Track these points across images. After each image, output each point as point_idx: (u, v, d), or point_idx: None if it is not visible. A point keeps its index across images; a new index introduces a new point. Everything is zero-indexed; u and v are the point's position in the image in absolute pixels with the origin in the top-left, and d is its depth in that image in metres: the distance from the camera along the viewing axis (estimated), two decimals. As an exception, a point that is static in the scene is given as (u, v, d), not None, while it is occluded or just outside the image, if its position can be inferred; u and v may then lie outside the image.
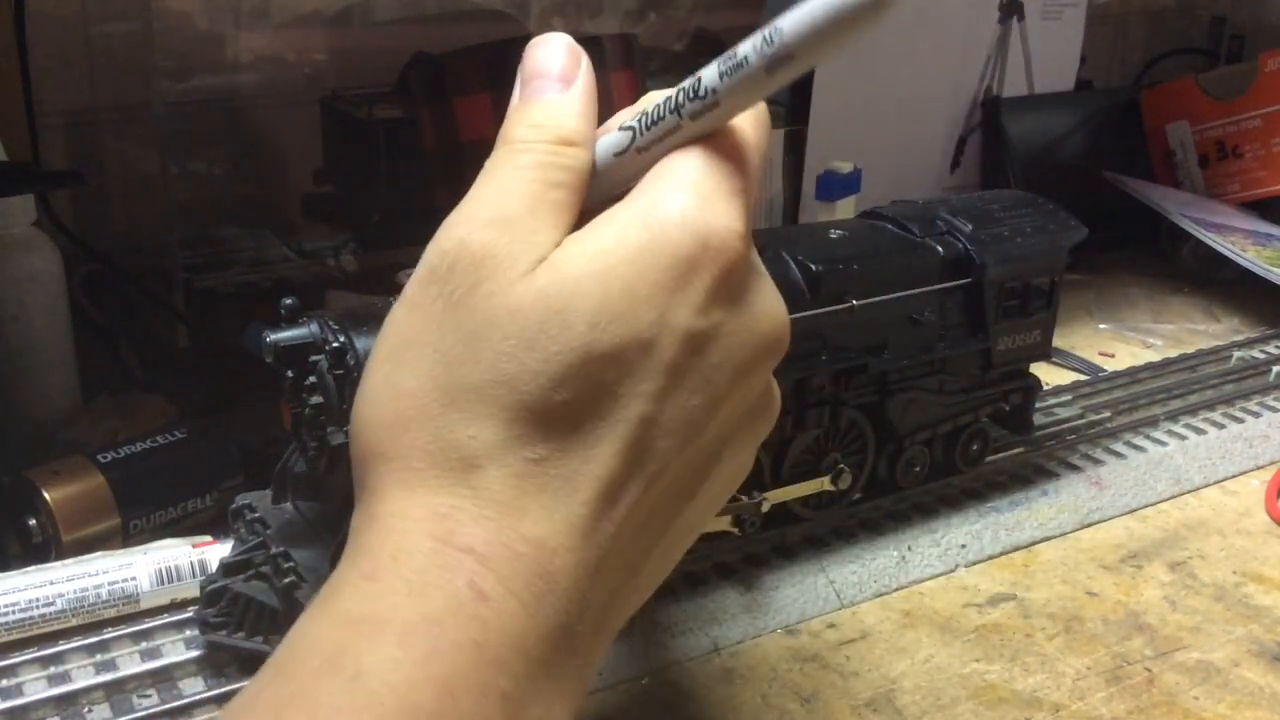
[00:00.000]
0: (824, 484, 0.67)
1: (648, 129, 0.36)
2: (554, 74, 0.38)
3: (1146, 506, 0.77)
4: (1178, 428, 0.85)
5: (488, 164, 0.37)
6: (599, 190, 0.37)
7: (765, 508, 0.64)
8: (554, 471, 0.33)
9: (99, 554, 0.63)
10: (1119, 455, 0.81)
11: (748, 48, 0.33)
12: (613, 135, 0.37)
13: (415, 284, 0.35)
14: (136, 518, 0.66)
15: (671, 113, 0.35)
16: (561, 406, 0.33)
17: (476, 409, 0.33)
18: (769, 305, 0.37)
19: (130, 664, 0.58)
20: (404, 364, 0.34)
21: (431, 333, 0.34)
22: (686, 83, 0.35)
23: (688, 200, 0.34)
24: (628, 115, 0.38)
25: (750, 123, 0.37)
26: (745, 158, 0.36)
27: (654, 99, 0.37)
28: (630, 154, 0.37)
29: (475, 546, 0.32)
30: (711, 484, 0.37)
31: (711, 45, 1.13)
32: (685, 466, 0.35)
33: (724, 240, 0.34)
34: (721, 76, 0.34)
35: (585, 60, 0.39)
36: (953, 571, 0.69)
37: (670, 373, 0.34)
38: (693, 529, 0.38)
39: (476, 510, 0.32)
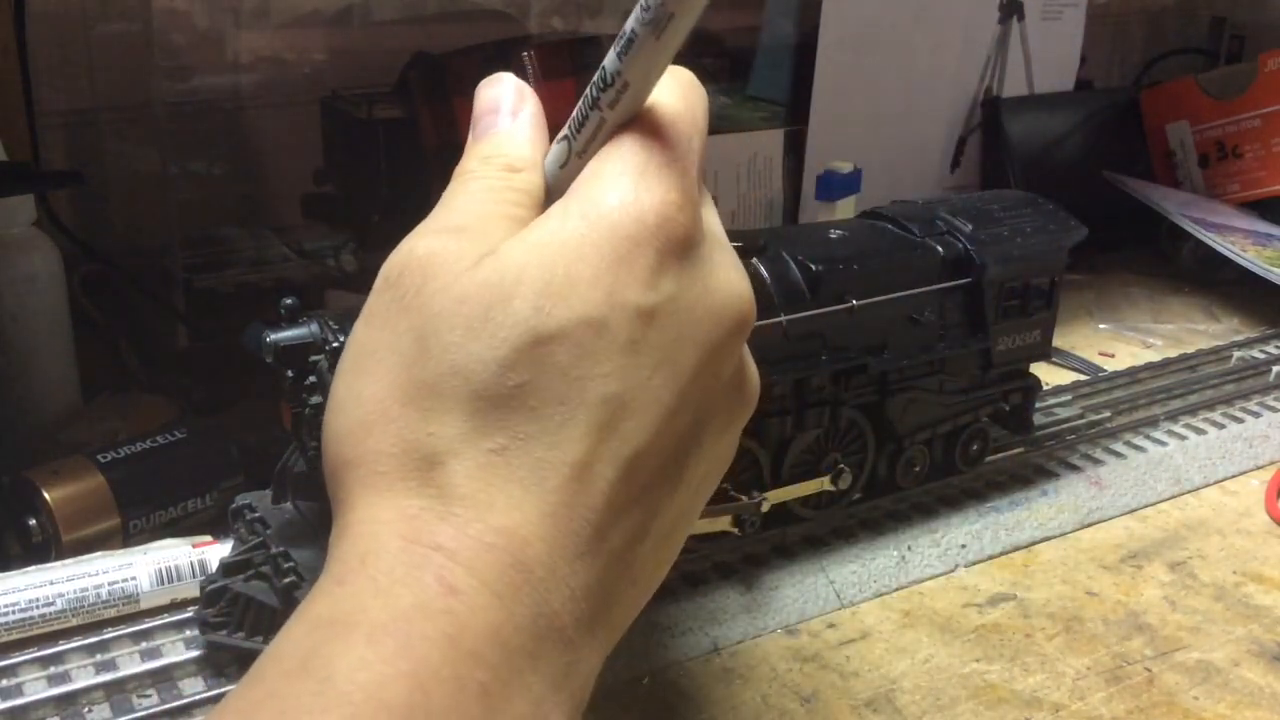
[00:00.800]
0: (824, 484, 0.67)
1: (578, 131, 0.37)
2: (503, 109, 0.40)
3: (1146, 506, 0.77)
4: (1178, 428, 0.85)
5: (444, 194, 0.38)
6: (553, 205, 0.37)
7: (765, 508, 0.64)
8: (518, 460, 0.33)
9: (99, 554, 0.63)
10: (1119, 455, 0.81)
11: (632, 20, 0.34)
12: (554, 149, 0.38)
13: (371, 296, 0.36)
14: (136, 518, 0.66)
15: (592, 109, 0.36)
16: (516, 392, 0.33)
17: (434, 405, 0.33)
18: (726, 276, 0.37)
19: (130, 664, 0.58)
20: (364, 372, 0.35)
21: (386, 337, 0.34)
22: (595, 76, 0.36)
23: (619, 183, 0.35)
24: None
25: (670, 92, 0.37)
26: (670, 126, 0.36)
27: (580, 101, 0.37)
28: (572, 161, 0.37)
29: (443, 543, 0.32)
30: (695, 469, 0.37)
31: (712, 45, 1.13)
32: (661, 449, 0.35)
33: (662, 212, 0.34)
34: (619, 57, 0.34)
35: (531, 94, 0.40)
36: (953, 571, 0.69)
37: (626, 351, 0.34)
38: (684, 518, 0.38)
39: (443, 508, 0.32)
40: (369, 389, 0.34)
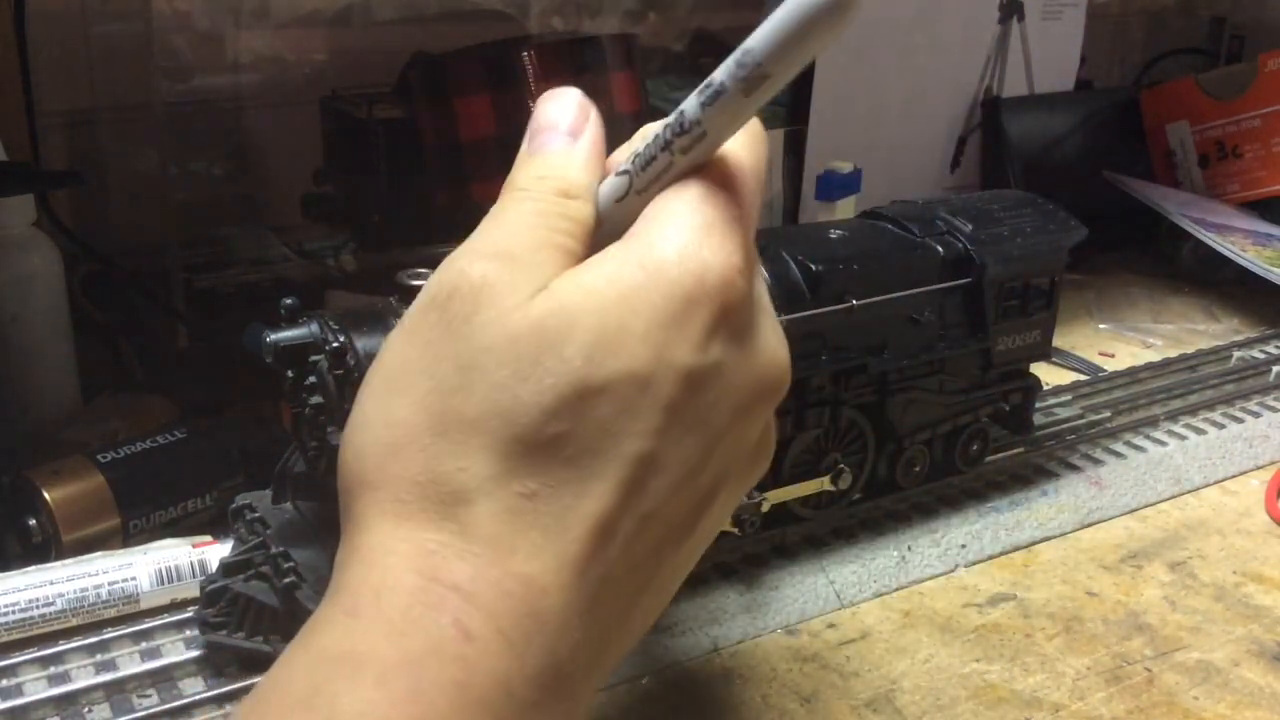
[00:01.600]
0: (824, 484, 0.67)
1: (642, 169, 0.36)
2: (562, 128, 0.38)
3: (1146, 506, 0.77)
4: (1178, 428, 0.85)
5: (493, 208, 0.37)
6: (604, 238, 0.36)
7: (765, 508, 0.64)
8: (546, 508, 0.32)
9: (99, 554, 0.63)
10: (1119, 455, 0.81)
11: (723, 74, 0.33)
12: (611, 181, 0.37)
13: (415, 311, 0.35)
14: (136, 518, 0.66)
15: (662, 150, 0.35)
16: (555, 440, 0.32)
17: (469, 440, 0.32)
18: (770, 344, 0.36)
19: (130, 664, 0.58)
20: (398, 391, 0.34)
21: (427, 360, 0.33)
22: (671, 118, 0.35)
23: (683, 237, 0.34)
24: (623, 156, 0.37)
25: (743, 145, 0.36)
26: (740, 184, 0.35)
27: (647, 135, 0.36)
28: (630, 197, 0.36)
29: (461, 584, 0.31)
30: (705, 523, 0.37)
31: (711, 45, 1.13)
32: (680, 506, 0.35)
33: (722, 276, 0.34)
34: (702, 106, 0.34)
35: (595, 115, 0.39)
36: (953, 571, 0.69)
37: (668, 411, 0.33)
38: (684, 567, 0.38)
39: (463, 546, 0.32)
40: (401, 411, 0.33)
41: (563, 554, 0.32)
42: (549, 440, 0.32)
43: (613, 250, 0.34)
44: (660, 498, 0.34)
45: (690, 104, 0.34)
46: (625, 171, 0.37)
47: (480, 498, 0.32)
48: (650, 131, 0.36)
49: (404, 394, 0.33)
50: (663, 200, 0.35)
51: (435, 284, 0.35)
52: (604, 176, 0.38)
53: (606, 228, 0.37)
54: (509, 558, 0.32)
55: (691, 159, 0.35)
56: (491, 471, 0.32)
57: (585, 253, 0.36)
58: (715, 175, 0.35)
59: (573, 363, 0.32)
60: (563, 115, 0.38)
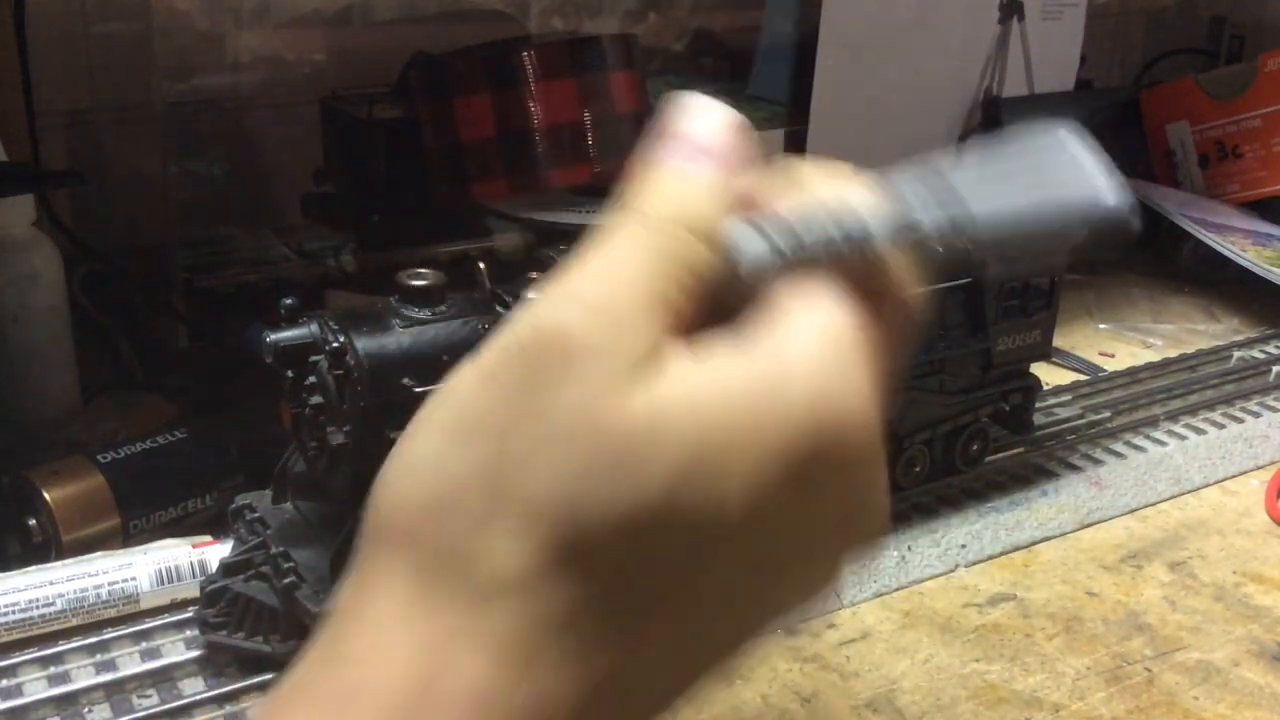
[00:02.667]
0: (824, 484, 0.67)
1: (796, 247, 0.30)
2: (706, 145, 0.32)
3: (1146, 506, 0.77)
4: (1178, 428, 0.85)
5: (609, 226, 0.31)
6: (721, 297, 0.31)
7: (765, 508, 0.63)
8: (582, 626, 0.29)
9: (99, 554, 0.63)
10: (1119, 455, 0.81)
11: (930, 222, 0.29)
12: (742, 230, 0.31)
13: (497, 355, 0.30)
14: (136, 518, 0.66)
15: (830, 244, 0.30)
16: (611, 559, 0.28)
17: (522, 525, 0.28)
18: (876, 506, 0.31)
19: (130, 664, 0.58)
20: (458, 444, 0.29)
21: (498, 418, 0.29)
22: (848, 221, 0.30)
23: (822, 372, 0.29)
24: (766, 214, 0.31)
25: (912, 289, 0.32)
26: (898, 331, 0.31)
27: (804, 216, 0.30)
28: (768, 269, 0.30)
29: (458, 697, 0.28)
30: (729, 664, 0.33)
31: (711, 45, 1.13)
32: (713, 655, 0.31)
33: (851, 438, 0.29)
34: (892, 238, 0.29)
35: (750, 142, 0.32)
36: (953, 571, 0.69)
37: (736, 563, 0.30)
38: (720, 673, 0.33)
39: (477, 642, 0.28)
40: (457, 464, 0.29)
41: (583, 682, 0.29)
42: (606, 558, 0.29)
43: (738, 353, 0.30)
44: (700, 645, 0.31)
45: (877, 222, 0.30)
46: (768, 237, 0.30)
47: (515, 594, 0.28)
48: (811, 207, 0.31)
49: (464, 448, 0.29)
50: (811, 311, 0.30)
51: (526, 328, 0.30)
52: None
53: (726, 289, 0.31)
54: (526, 672, 0.28)
55: (855, 272, 0.30)
56: (536, 567, 0.28)
57: (696, 313, 0.31)
58: (877, 309, 0.31)
59: (657, 478, 0.28)
60: (710, 132, 0.32)
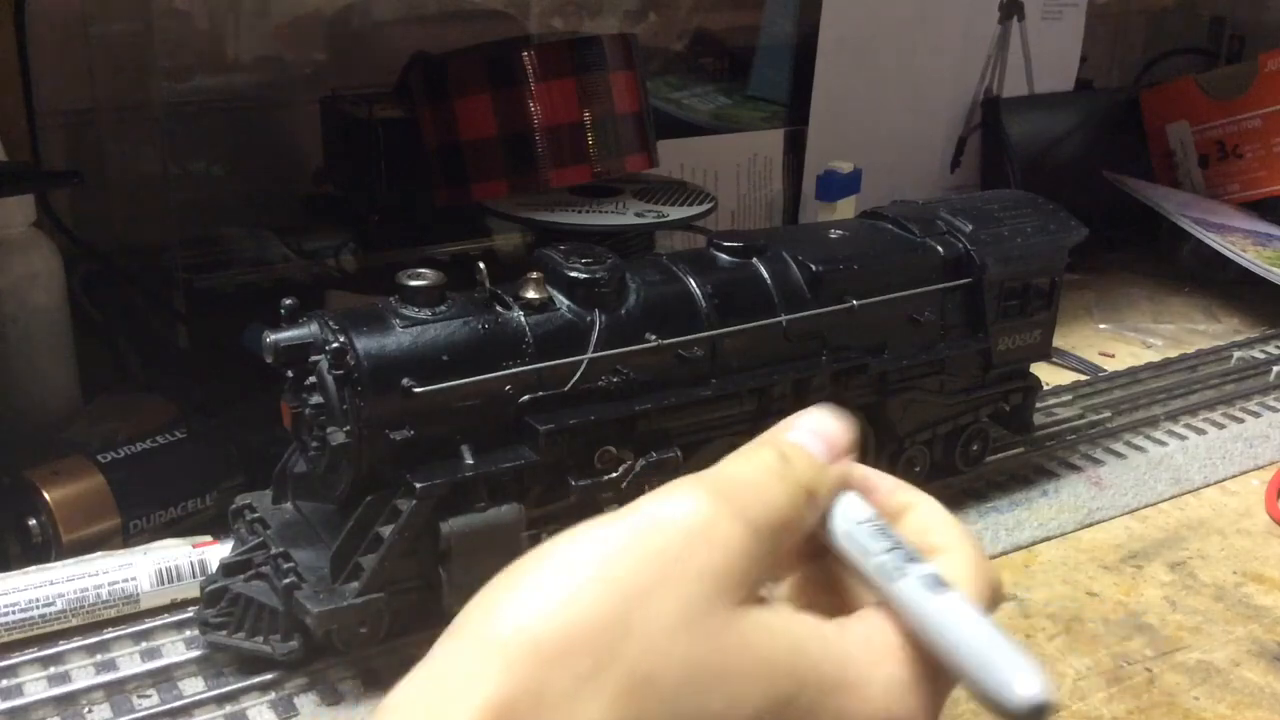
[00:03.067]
0: (824, 484, 0.67)
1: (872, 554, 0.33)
2: (837, 447, 0.36)
3: (1146, 506, 0.77)
4: (1178, 428, 0.85)
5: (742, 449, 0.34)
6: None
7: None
8: None
9: (99, 554, 0.63)
10: (1119, 455, 0.81)
11: (916, 583, 0.31)
12: (868, 547, 0.33)
13: (629, 524, 0.30)
14: (136, 518, 0.66)
15: (895, 569, 0.32)
16: None
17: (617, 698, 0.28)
18: None
19: (130, 664, 0.58)
20: (595, 592, 0.29)
21: (612, 565, 0.29)
22: (901, 552, 0.33)
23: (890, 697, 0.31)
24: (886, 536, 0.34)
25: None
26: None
27: (872, 539, 0.33)
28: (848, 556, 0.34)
29: None
30: None
31: (711, 45, 1.13)
32: None
33: None
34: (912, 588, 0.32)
35: (852, 464, 0.37)
36: (953, 571, 0.69)
37: None
38: None
39: None
40: (583, 610, 0.29)
41: None
42: None
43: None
44: None
45: (926, 580, 0.32)
46: (909, 562, 0.33)
47: None
48: (876, 541, 0.33)
49: (596, 596, 0.29)
50: (887, 635, 0.32)
51: (652, 503, 0.31)
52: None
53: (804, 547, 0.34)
54: None
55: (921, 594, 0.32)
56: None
57: (776, 564, 0.33)
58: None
59: (743, 709, 0.29)
60: (833, 435, 0.36)
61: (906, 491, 0.36)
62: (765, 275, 0.64)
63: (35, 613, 0.59)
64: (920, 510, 0.36)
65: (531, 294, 0.58)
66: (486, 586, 0.30)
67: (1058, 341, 0.81)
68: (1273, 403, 0.90)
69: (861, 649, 0.32)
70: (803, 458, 0.34)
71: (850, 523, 0.34)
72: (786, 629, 0.31)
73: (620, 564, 0.30)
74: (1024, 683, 0.29)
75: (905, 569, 0.32)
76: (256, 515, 0.60)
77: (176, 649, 0.59)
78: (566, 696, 0.28)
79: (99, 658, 0.58)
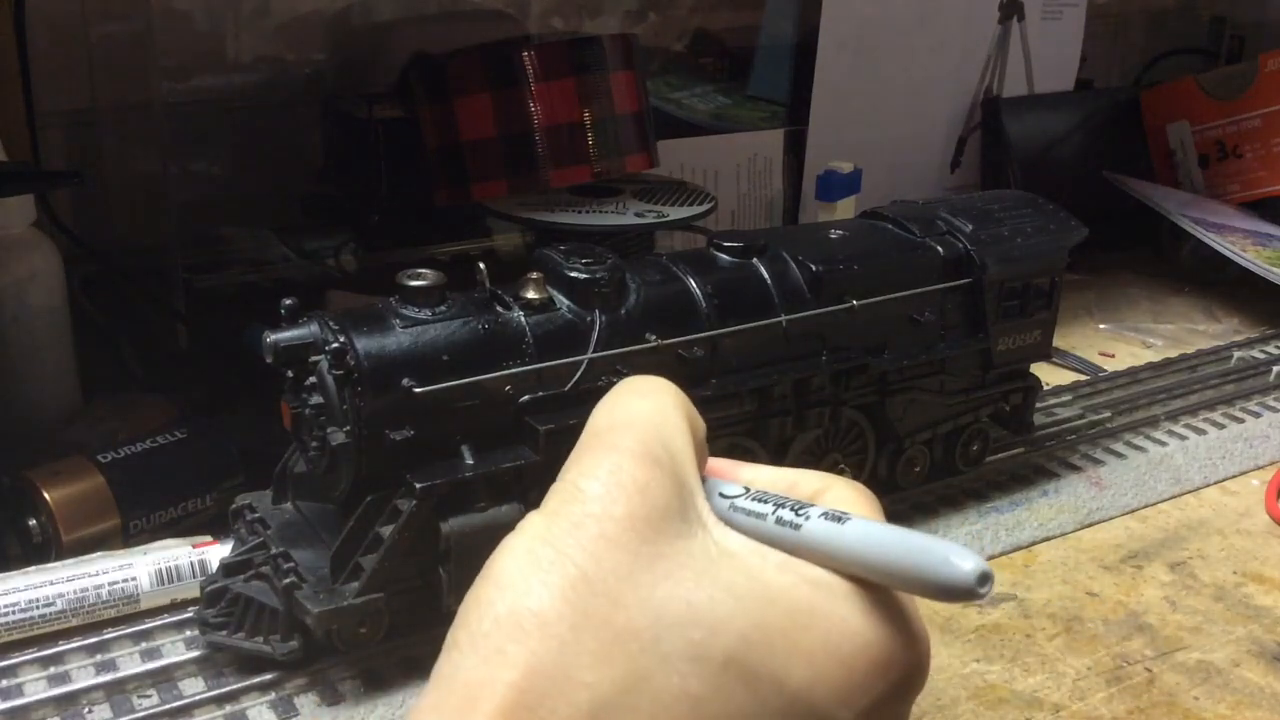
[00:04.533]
0: (824, 484, 0.67)
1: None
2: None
3: (1146, 506, 0.77)
4: (1178, 428, 0.85)
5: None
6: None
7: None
8: None
9: (99, 554, 0.63)
10: (1119, 455, 0.81)
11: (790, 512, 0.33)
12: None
13: (617, 526, 0.32)
14: (136, 518, 0.66)
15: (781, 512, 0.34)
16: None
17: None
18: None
19: (130, 664, 0.58)
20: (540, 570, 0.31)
21: (596, 578, 0.31)
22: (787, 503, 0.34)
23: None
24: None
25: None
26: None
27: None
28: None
29: None
30: None
31: (711, 45, 1.13)
32: None
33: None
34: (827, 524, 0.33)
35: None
36: (953, 571, 0.69)
37: None
38: None
39: None
40: (550, 589, 0.30)
41: None
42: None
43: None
44: None
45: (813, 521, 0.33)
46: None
47: None
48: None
49: (539, 571, 0.31)
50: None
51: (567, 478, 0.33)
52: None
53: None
54: None
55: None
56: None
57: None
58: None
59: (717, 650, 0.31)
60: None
61: (748, 468, 0.38)
62: (765, 275, 0.64)
63: (35, 613, 0.59)
64: (770, 473, 0.37)
65: (532, 294, 0.58)
66: (468, 593, 0.32)
67: (1058, 341, 0.81)
68: (1273, 403, 0.90)
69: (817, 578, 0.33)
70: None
71: (731, 500, 0.35)
72: (725, 548, 0.33)
73: (564, 539, 0.31)
74: (960, 560, 0.31)
75: (804, 512, 0.33)
76: (256, 515, 0.60)
77: (176, 649, 0.59)
78: (562, 666, 0.29)
79: (99, 658, 0.58)
